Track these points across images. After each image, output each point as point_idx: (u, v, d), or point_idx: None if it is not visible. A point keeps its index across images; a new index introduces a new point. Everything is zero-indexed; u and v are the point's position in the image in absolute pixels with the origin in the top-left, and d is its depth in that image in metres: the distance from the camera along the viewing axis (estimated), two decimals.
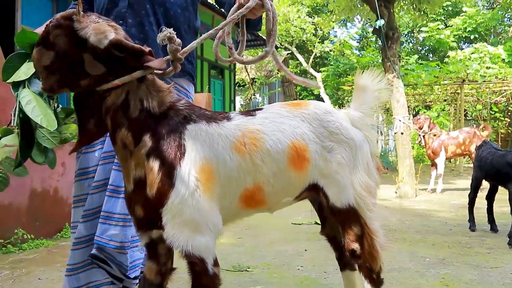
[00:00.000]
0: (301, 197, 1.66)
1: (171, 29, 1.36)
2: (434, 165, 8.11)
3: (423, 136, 8.07)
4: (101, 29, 1.31)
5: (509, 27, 19.76)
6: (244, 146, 1.44)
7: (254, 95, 16.93)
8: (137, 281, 1.94)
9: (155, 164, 1.33)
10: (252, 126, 1.49)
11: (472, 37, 19.09)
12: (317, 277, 2.89)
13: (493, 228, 4.39)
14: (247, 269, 3.06)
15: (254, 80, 16.68)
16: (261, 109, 1.59)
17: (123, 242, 1.84)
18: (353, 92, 1.79)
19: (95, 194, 1.91)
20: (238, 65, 14.81)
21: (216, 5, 1.63)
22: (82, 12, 1.34)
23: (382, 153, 13.82)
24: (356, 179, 1.59)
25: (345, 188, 1.57)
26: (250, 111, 1.59)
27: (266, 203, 1.54)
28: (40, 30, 1.55)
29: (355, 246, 1.60)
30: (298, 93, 23.10)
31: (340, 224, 1.63)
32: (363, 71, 1.73)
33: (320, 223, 1.89)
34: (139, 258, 1.93)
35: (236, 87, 13.89)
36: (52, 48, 1.34)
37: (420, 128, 8.03)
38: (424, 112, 15.17)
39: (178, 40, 1.37)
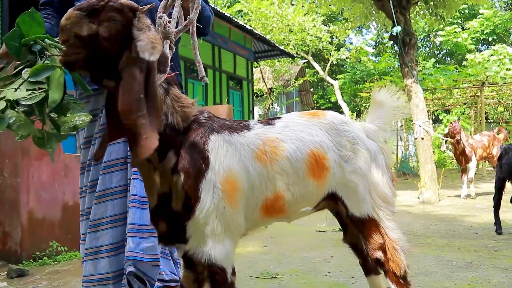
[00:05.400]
0: (320, 207, 1.67)
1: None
2: (464, 171, 7.77)
3: (457, 141, 7.49)
4: (155, 42, 1.24)
5: None
6: (265, 154, 1.45)
7: (272, 104, 17.04)
8: None
9: (180, 179, 1.32)
10: (272, 135, 1.49)
11: (490, 39, 18.93)
12: (345, 282, 2.94)
13: None
14: (276, 276, 3.12)
15: (272, 90, 16.82)
16: (279, 118, 1.60)
17: (157, 254, 1.85)
18: (370, 104, 1.84)
19: (96, 204, 1.89)
20: (255, 76, 14.98)
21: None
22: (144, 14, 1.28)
23: (403, 159, 13.72)
24: (373, 189, 1.61)
25: (363, 198, 1.59)
26: (268, 120, 1.59)
27: (285, 211, 1.54)
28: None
29: (378, 254, 1.63)
30: (315, 102, 23.19)
31: (361, 234, 1.66)
32: (380, 87, 1.77)
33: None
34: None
35: (254, 97, 14.02)
36: (96, 24, 1.22)
37: (455, 134, 7.49)
38: (444, 116, 15.03)
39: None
